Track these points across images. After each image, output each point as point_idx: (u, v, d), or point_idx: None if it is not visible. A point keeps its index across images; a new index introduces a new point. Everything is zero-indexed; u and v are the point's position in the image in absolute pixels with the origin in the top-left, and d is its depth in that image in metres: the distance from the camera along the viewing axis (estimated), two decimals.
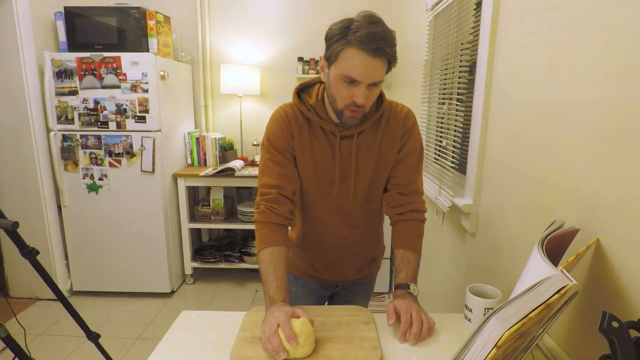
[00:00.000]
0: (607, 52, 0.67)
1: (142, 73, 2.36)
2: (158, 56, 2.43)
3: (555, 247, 0.68)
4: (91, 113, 2.42)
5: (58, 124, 2.44)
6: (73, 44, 2.42)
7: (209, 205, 2.86)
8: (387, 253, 1.55)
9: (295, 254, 1.18)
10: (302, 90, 1.03)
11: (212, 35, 3.02)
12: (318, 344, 0.80)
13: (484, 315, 0.80)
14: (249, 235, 3.00)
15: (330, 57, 0.88)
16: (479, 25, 1.29)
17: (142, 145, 2.45)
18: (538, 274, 0.57)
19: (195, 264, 2.89)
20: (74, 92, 2.40)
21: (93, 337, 1.54)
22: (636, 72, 0.60)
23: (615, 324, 0.49)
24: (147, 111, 2.41)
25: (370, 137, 1.01)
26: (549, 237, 0.65)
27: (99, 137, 2.45)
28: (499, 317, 0.50)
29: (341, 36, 0.84)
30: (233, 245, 3.03)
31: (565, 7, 0.80)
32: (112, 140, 2.45)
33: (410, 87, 2.48)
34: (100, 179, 2.51)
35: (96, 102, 2.40)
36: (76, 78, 2.38)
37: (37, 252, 1.33)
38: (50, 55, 2.36)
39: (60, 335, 2.22)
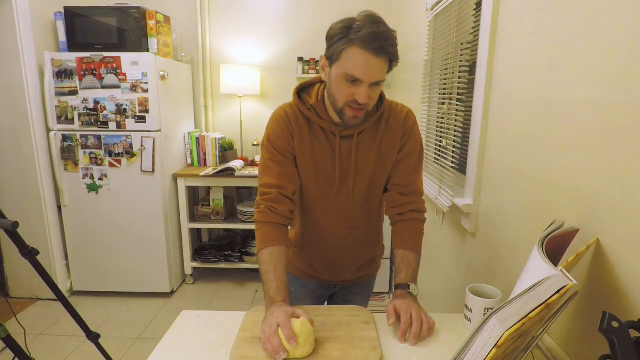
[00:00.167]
0: (606, 52, 0.67)
1: (142, 73, 2.36)
2: (158, 56, 2.43)
3: (555, 247, 0.68)
4: (91, 113, 2.42)
5: (58, 124, 2.44)
6: (73, 44, 2.42)
7: (209, 205, 2.86)
8: (387, 253, 1.56)
9: (294, 253, 1.18)
10: (302, 90, 1.03)
11: (212, 35, 3.02)
12: (318, 344, 0.80)
13: (484, 315, 0.80)
14: (249, 235, 3.00)
15: (332, 57, 0.87)
16: (479, 25, 1.29)
17: (142, 145, 2.45)
18: (538, 274, 0.57)
19: (195, 264, 2.89)
20: (74, 92, 2.40)
21: (93, 337, 1.54)
22: (636, 72, 0.60)
23: (615, 324, 0.49)
24: (147, 111, 2.41)
25: (370, 137, 1.01)
26: (549, 237, 0.65)
27: (99, 137, 2.45)
28: (499, 317, 0.50)
29: (343, 35, 0.84)
30: (233, 245, 3.03)
31: (565, 7, 0.80)
32: (112, 140, 2.45)
33: (410, 87, 2.48)
34: (100, 179, 2.51)
35: (96, 102, 2.40)
36: (76, 78, 2.38)
37: (37, 252, 1.33)
38: (50, 55, 2.36)
39: (60, 335, 2.22)
